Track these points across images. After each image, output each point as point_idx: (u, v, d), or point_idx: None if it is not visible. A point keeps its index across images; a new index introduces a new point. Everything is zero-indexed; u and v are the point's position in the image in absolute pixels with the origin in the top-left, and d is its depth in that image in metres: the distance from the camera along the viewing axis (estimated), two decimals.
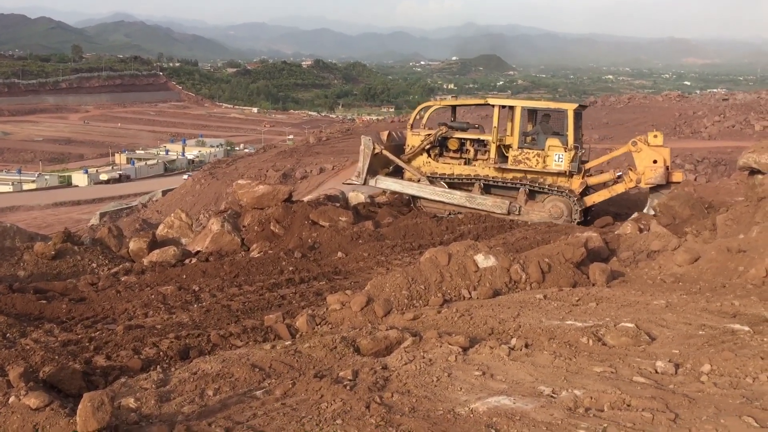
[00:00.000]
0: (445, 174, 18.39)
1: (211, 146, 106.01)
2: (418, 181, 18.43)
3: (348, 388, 4.47)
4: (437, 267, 7.96)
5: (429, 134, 18.64)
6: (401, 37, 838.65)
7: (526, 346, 5.24)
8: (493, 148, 17.97)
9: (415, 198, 18.58)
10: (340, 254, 12.20)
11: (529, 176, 17.61)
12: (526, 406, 4.05)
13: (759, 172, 12.48)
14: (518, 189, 17.58)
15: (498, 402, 4.13)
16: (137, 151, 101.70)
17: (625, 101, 71.38)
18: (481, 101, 22.15)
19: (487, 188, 18.07)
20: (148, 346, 6.46)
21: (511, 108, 18.48)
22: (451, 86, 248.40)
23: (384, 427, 3.85)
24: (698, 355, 4.81)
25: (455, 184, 18.31)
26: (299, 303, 8.74)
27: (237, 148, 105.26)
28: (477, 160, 18.56)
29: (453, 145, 18.73)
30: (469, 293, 7.77)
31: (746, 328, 5.44)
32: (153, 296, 9.04)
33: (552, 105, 19.19)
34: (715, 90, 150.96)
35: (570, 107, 17.61)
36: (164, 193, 57.73)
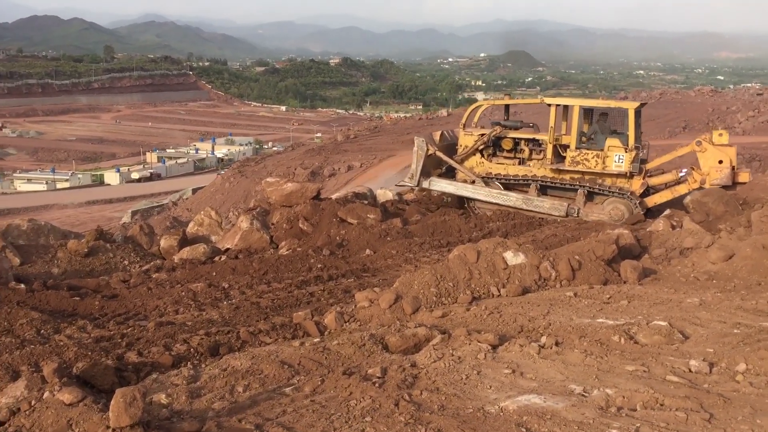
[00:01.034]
0: (499, 174, 17.95)
1: (240, 144, 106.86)
2: (473, 182, 18.00)
3: (377, 385, 4.46)
4: (466, 264, 7.92)
5: (483, 134, 18.18)
6: (429, 34, 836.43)
7: (557, 344, 5.18)
8: (549, 149, 17.43)
9: (468, 199, 18.16)
10: (368, 251, 12.20)
11: (587, 177, 17.11)
12: (556, 405, 4.00)
13: None
14: (575, 190, 17.11)
15: (528, 400, 4.09)
16: (168, 150, 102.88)
17: (657, 96, 70.43)
18: (537, 101, 21.32)
19: (543, 189, 17.59)
20: (178, 342, 6.51)
21: (567, 107, 18.03)
22: (479, 83, 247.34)
23: (413, 425, 3.83)
24: (733, 354, 4.72)
25: (510, 184, 17.86)
26: (328, 300, 8.76)
27: (266, 147, 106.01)
28: (532, 160, 18.06)
29: (507, 144, 18.20)
30: (498, 291, 7.72)
31: None
32: (183, 293, 9.12)
33: (612, 104, 18.68)
34: (749, 84, 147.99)
35: (631, 106, 17.10)
36: (194, 191, 58.35)
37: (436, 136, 18.94)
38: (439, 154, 18.09)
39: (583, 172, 17.12)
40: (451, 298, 7.49)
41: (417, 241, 12.86)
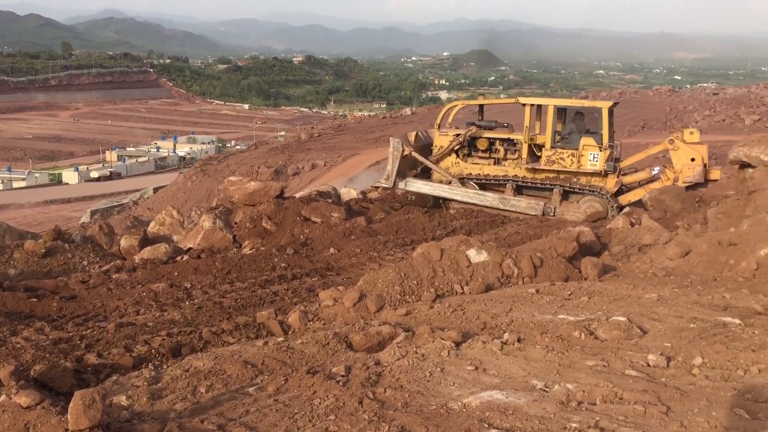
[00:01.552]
0: (477, 175, 17.98)
1: (203, 143, 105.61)
2: (449, 182, 18.02)
3: (341, 383, 4.46)
4: (429, 262, 7.96)
5: (458, 134, 18.22)
6: (393, 32, 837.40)
7: (519, 340, 5.24)
8: (524, 148, 17.60)
9: (445, 200, 18.17)
10: (332, 250, 12.19)
11: (562, 176, 17.27)
12: (518, 400, 4.05)
13: (749, 165, 12.55)
14: (550, 189, 17.23)
15: (491, 396, 4.13)
16: (128, 149, 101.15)
17: (616, 96, 71.53)
18: (512, 100, 21.31)
19: (519, 189, 17.70)
20: (139, 343, 6.43)
21: (539, 107, 18.21)
22: (443, 82, 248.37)
23: (377, 423, 3.85)
24: (690, 348, 4.83)
25: (487, 184, 17.93)
26: (291, 299, 8.72)
27: (228, 145, 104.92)
28: (507, 159, 18.15)
29: (482, 144, 18.27)
30: (462, 288, 7.77)
31: (737, 321, 5.46)
32: (144, 294, 9.00)
33: (586, 103, 18.88)
34: (705, 84, 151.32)
35: (605, 105, 17.31)
36: (155, 190, 57.50)
37: (411, 136, 18.93)
38: (415, 154, 18.10)
39: (558, 171, 17.28)
40: (415, 296, 7.52)
41: (381, 240, 12.88)
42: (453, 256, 8.08)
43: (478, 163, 18.26)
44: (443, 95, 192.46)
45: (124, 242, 13.63)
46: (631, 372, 4.46)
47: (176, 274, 10.36)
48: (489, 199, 17.49)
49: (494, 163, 18.21)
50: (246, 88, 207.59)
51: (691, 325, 5.51)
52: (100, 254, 12.90)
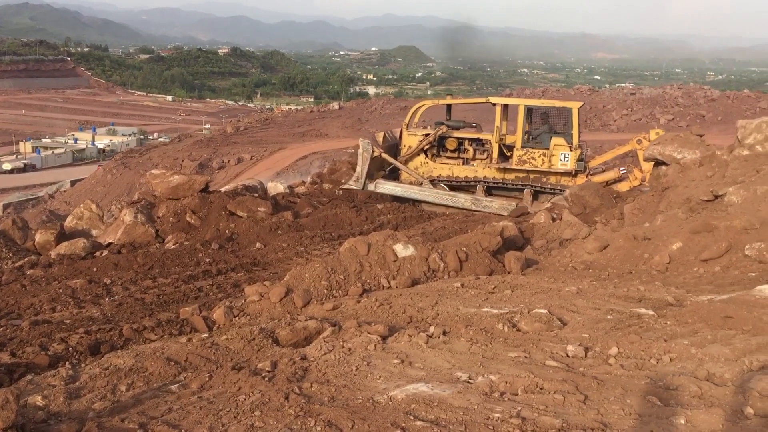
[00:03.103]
0: (444, 176, 17.92)
1: (123, 135, 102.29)
2: (420, 184, 17.93)
3: (266, 379, 4.42)
4: (356, 257, 7.98)
5: (427, 134, 18.14)
6: (320, 26, 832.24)
7: (444, 333, 5.32)
8: (495, 148, 17.64)
9: (415, 201, 18.02)
10: (258, 245, 12.05)
11: (532, 176, 17.34)
12: (443, 392, 4.11)
13: (663, 163, 13.10)
14: (520, 190, 17.32)
15: (416, 389, 4.18)
16: (43, 140, 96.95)
17: (540, 94, 73.32)
18: (482, 100, 21.31)
19: (489, 189, 17.74)
20: (56, 341, 6.20)
21: (506, 107, 18.29)
22: (371, 77, 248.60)
23: (303, 418, 3.83)
24: (606, 338, 5.01)
25: (456, 187, 17.89)
26: (216, 295, 8.59)
27: (151, 137, 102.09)
28: (476, 159, 18.18)
29: (451, 144, 18.25)
30: (389, 283, 7.83)
31: (651, 312, 5.69)
32: (61, 290, 8.68)
33: (557, 103, 19.06)
34: (623, 84, 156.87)
35: (575, 105, 17.53)
36: (73, 183, 55.55)
37: (379, 137, 18.79)
38: (385, 155, 17.97)
39: (529, 171, 17.39)
40: (342, 290, 7.53)
41: (308, 234, 12.82)
42: (380, 250, 8.12)
43: (447, 163, 18.26)
44: (371, 90, 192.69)
45: (39, 237, 13.09)
46: (551, 363, 4.59)
47: (95, 269, 10.03)
48: (461, 200, 17.48)
49: (463, 163, 18.25)
50: (169, 79, 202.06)
51: (608, 317, 5.71)
52: (13, 249, 12.36)
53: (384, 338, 5.22)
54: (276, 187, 19.63)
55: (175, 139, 71.21)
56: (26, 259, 11.24)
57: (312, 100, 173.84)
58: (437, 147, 18.48)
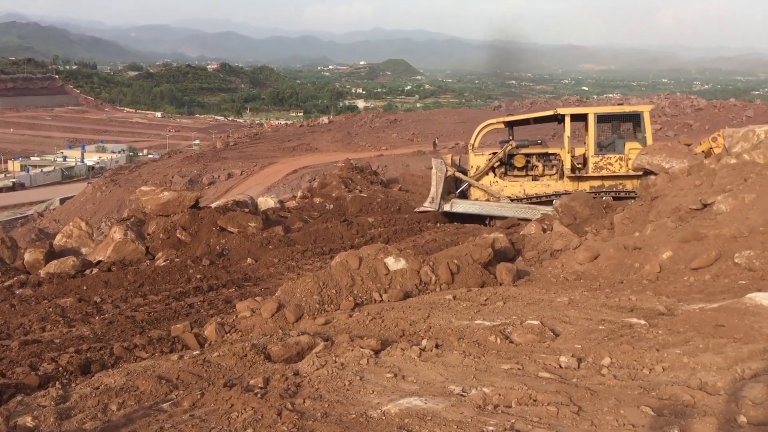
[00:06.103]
0: (517, 194, 17.98)
1: (113, 152, 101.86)
2: (498, 200, 17.88)
3: (259, 396, 4.40)
4: (348, 271, 7.96)
5: (495, 152, 18.15)
6: (309, 41, 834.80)
7: (437, 346, 5.30)
8: (567, 159, 17.64)
9: (490, 217, 17.92)
10: (249, 260, 12.01)
11: (606, 183, 17.34)
12: (437, 406, 4.10)
13: (652, 172, 13.17)
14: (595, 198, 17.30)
15: (410, 403, 4.16)
16: (32, 158, 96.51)
17: (528, 106, 73.71)
18: (550, 112, 20.58)
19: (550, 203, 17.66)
20: (45, 361, 6.14)
21: (569, 116, 18.38)
22: (360, 90, 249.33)
23: None
24: (599, 349, 5.01)
25: (541, 202, 17.82)
26: (208, 311, 8.54)
27: (140, 154, 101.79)
28: (545, 175, 18.25)
29: (519, 162, 18.27)
30: (380, 296, 7.81)
31: (642, 322, 5.70)
32: (51, 309, 8.62)
33: (627, 109, 19.15)
34: (610, 95, 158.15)
35: (645, 109, 17.65)
36: (62, 201, 55.17)
37: (448, 159, 18.83)
38: (458, 174, 17.98)
39: (604, 177, 17.36)
40: (334, 304, 7.50)
41: (299, 249, 12.80)
42: (371, 264, 8.11)
43: (517, 181, 18.30)
44: (360, 104, 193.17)
45: (28, 256, 13.00)
46: (544, 374, 4.58)
47: (85, 288, 9.97)
48: (542, 212, 17.30)
49: (532, 180, 18.29)
50: (158, 95, 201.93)
51: (600, 327, 5.71)
52: (2, 269, 12.26)
53: (376, 352, 5.20)
54: (266, 202, 19.61)
55: (165, 155, 71.10)
56: (15, 278, 11.14)
57: (301, 114, 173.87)
58: (505, 165, 18.55)
